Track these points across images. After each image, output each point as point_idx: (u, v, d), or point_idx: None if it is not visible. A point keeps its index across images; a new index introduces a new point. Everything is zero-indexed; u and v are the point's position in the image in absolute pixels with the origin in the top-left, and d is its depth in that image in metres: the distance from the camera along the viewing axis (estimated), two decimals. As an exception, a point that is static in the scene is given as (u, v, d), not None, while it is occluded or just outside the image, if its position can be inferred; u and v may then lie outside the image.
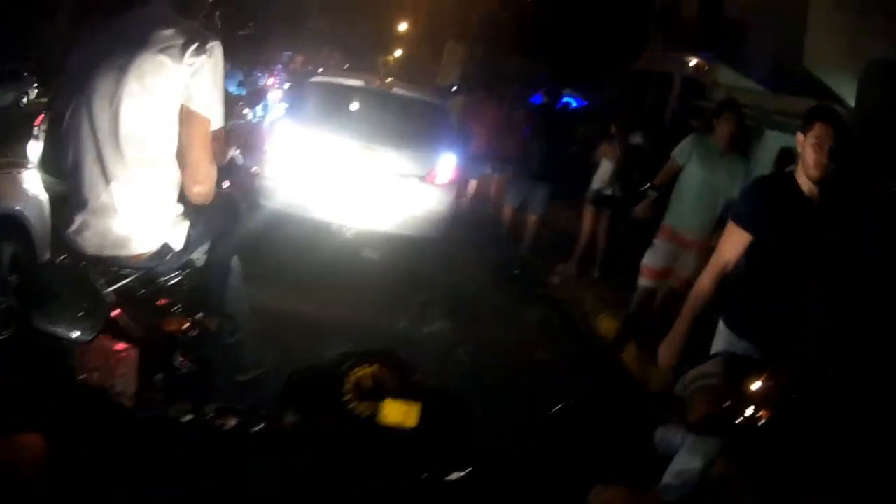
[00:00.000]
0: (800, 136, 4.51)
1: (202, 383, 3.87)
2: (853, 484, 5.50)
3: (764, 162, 12.02)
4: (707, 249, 6.88)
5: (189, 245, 3.92)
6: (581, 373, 7.95)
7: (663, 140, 11.95)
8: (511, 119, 14.83)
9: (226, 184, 4.81)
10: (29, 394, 3.17)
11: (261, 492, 1.87)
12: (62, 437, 2.88)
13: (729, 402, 2.11)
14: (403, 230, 9.98)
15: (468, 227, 12.08)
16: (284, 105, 18.08)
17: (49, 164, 3.98)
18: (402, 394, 2.01)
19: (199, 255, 4.22)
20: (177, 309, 3.84)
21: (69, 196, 3.76)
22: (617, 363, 8.51)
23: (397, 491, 2.10)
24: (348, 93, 10.97)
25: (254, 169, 6.50)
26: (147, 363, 3.41)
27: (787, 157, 11.09)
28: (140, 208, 3.64)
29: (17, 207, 6.29)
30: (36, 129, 8.66)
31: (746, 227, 4.40)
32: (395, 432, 1.98)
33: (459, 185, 10.99)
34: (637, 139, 12.37)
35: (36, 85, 31.08)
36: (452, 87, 24.93)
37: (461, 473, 1.96)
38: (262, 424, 1.99)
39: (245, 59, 31.99)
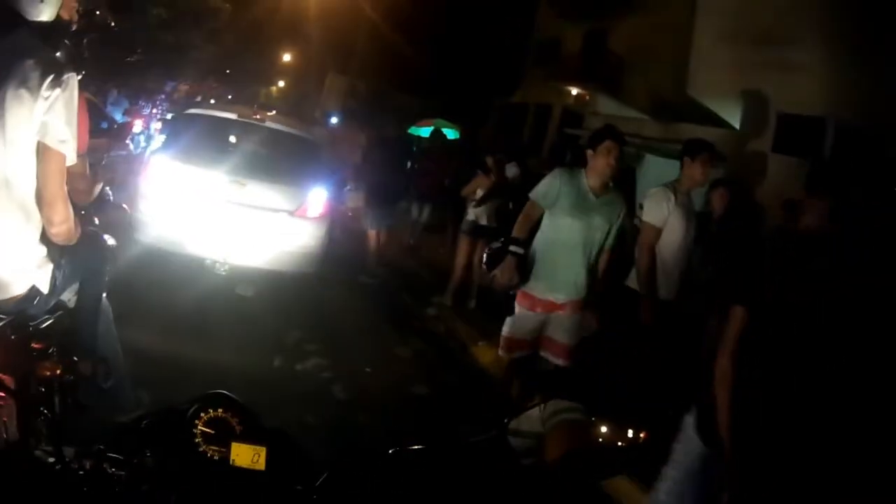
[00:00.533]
0: None
1: (82, 427, 3.81)
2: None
3: (645, 186, 12.31)
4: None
5: (56, 287, 3.83)
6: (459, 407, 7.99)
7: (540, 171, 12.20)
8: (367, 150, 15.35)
9: (95, 221, 4.75)
10: None
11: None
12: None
13: (592, 436, 2.10)
14: (276, 266, 9.88)
15: (340, 260, 12.00)
16: (162, 137, 17.85)
17: None
18: (247, 437, 2.03)
19: (69, 297, 4.15)
20: (52, 352, 3.76)
21: None
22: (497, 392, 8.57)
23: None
24: (222, 125, 10.85)
25: (124, 205, 6.36)
26: (24, 409, 3.34)
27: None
28: (6, 252, 3.55)
29: None
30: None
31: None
32: (249, 474, 2.00)
33: (331, 219, 10.92)
34: (513, 170, 12.56)
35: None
36: (328, 116, 25.01)
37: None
38: (120, 467, 1.96)
39: (131, 88, 31.50)
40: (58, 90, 3.43)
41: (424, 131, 24.64)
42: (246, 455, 2.01)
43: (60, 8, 3.61)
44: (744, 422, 3.80)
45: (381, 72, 39.17)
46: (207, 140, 10.40)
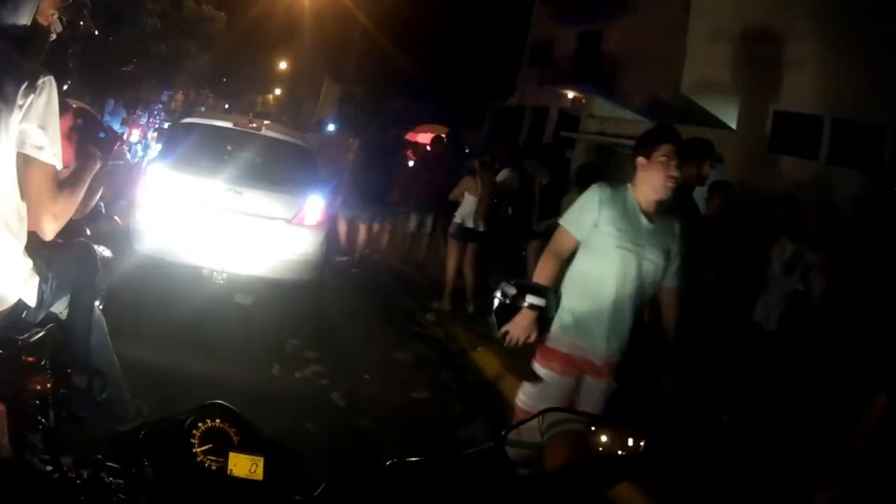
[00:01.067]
0: None
1: (79, 439, 3.80)
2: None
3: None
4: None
5: (44, 300, 3.77)
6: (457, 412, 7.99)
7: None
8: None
9: (87, 232, 4.74)
10: None
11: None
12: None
13: (591, 449, 2.09)
14: (274, 274, 9.82)
15: (339, 268, 11.99)
16: (159, 146, 17.85)
17: None
18: (244, 447, 2.02)
19: (61, 309, 4.13)
20: (44, 365, 3.74)
21: None
22: (495, 397, 8.58)
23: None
24: (218, 134, 10.83)
25: (116, 217, 6.35)
26: (19, 423, 3.32)
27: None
28: None
29: None
30: None
31: None
32: (247, 484, 1.99)
33: (328, 226, 10.86)
34: (509, 175, 12.59)
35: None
36: (321, 123, 24.95)
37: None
38: (118, 477, 1.96)
39: (127, 97, 31.56)
40: (32, 96, 3.31)
41: (422, 137, 24.54)
42: (244, 465, 2.01)
43: (36, 13, 3.51)
44: None
45: (377, 78, 39.18)
46: (204, 149, 10.38)
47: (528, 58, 36.04)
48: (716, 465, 6.65)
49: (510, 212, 12.50)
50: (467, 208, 11.85)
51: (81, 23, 5.14)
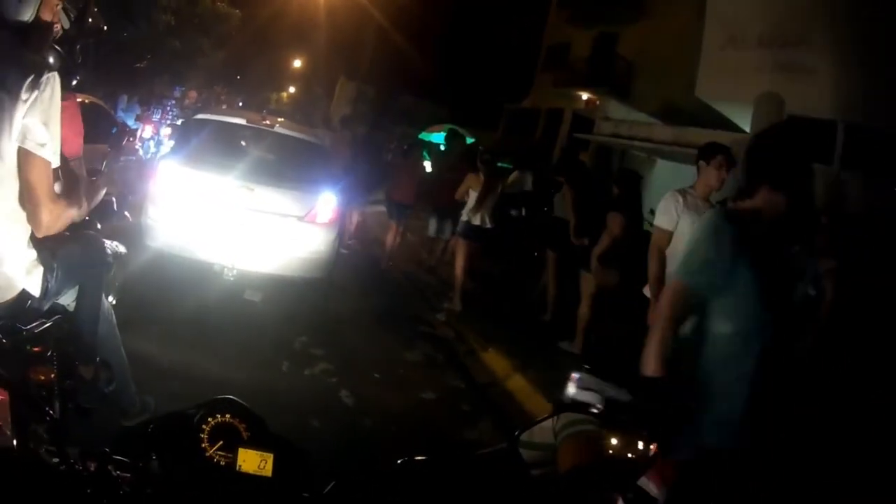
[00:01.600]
0: None
1: (84, 431, 3.79)
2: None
3: (656, 191, 12.29)
4: None
5: (49, 291, 3.78)
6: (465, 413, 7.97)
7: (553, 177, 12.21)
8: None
9: (98, 226, 4.73)
10: None
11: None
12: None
13: (605, 449, 2.08)
14: (285, 271, 9.80)
15: (350, 266, 11.96)
16: (172, 142, 17.87)
17: None
18: (254, 443, 2.01)
19: (69, 301, 4.13)
20: (50, 355, 3.75)
21: None
22: (503, 398, 8.57)
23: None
24: (231, 131, 10.81)
25: (126, 213, 6.33)
26: (22, 412, 3.31)
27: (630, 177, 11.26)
28: None
29: None
30: None
31: None
32: (255, 480, 1.98)
33: (341, 224, 10.81)
34: (517, 176, 12.62)
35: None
36: (345, 122, 25.08)
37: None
38: (125, 470, 1.95)
39: (140, 93, 31.60)
40: (36, 92, 3.34)
41: (437, 137, 24.38)
42: (253, 461, 1.99)
43: (41, 8, 3.52)
44: None
45: (392, 77, 39.22)
46: (217, 145, 10.36)
47: (544, 60, 36.09)
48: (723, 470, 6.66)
49: (523, 212, 12.53)
50: (469, 204, 11.90)
51: (90, 18, 5.12)
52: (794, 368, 6.86)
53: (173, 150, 10.96)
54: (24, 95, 3.31)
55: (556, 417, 2.16)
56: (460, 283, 11.86)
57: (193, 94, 38.85)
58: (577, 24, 32.81)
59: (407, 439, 6.64)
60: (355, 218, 14.46)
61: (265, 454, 2.01)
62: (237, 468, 1.98)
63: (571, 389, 2.75)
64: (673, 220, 7.02)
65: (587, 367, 2.84)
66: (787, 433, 4.07)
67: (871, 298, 7.60)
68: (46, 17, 3.60)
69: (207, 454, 1.98)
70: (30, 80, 3.32)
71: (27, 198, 3.47)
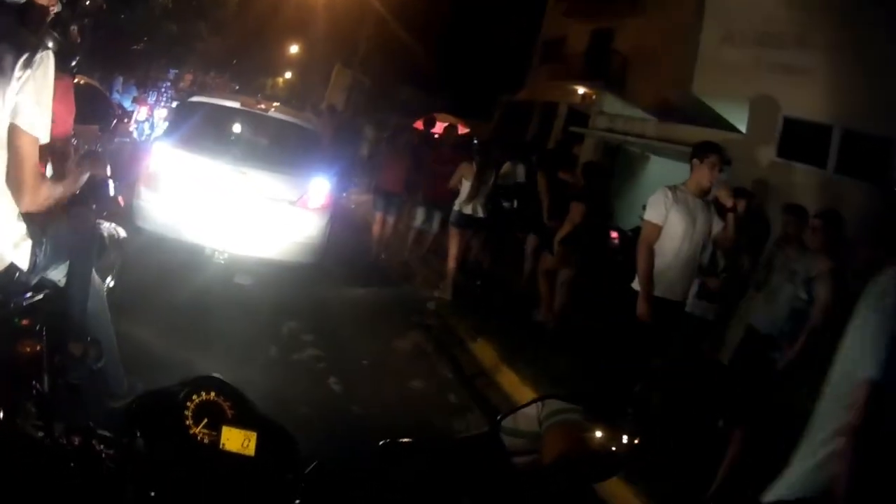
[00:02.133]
0: None
1: (71, 408, 3.79)
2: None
3: (649, 187, 12.32)
4: None
5: (37, 265, 3.80)
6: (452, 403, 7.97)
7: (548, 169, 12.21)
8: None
9: (92, 206, 4.73)
10: None
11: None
12: None
13: (589, 439, 2.06)
14: (276, 256, 9.76)
15: (340, 254, 11.95)
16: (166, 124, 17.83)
17: None
18: (238, 422, 2.00)
19: (59, 277, 4.12)
20: (38, 329, 3.74)
21: None
22: (491, 390, 8.59)
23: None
24: (225, 114, 10.71)
25: (119, 198, 6.33)
26: (7, 385, 3.32)
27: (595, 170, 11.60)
28: None
29: None
30: None
31: None
32: (239, 459, 1.98)
33: (332, 211, 10.65)
34: (509, 168, 12.60)
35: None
36: (333, 108, 24.97)
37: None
38: (109, 446, 1.95)
39: (136, 76, 31.50)
40: (28, 70, 3.37)
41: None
42: (236, 440, 1.98)
43: None
44: None
45: (387, 66, 39.16)
46: (210, 128, 10.31)
47: (540, 53, 36.01)
48: (710, 467, 6.69)
49: (515, 204, 12.50)
50: (462, 193, 11.87)
51: (87, 1, 5.11)
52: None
53: (167, 132, 10.92)
54: (17, 73, 3.34)
55: (541, 405, 2.15)
56: (452, 273, 11.84)
57: (189, 77, 38.80)
58: (573, 17, 32.72)
59: (394, 428, 6.57)
60: (383, 223, 13.69)
61: (249, 433, 2.00)
62: (220, 446, 1.97)
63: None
64: (662, 215, 7.16)
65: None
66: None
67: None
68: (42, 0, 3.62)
69: (191, 432, 1.97)
70: (24, 58, 3.35)
71: (13, 173, 3.49)
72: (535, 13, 36.00)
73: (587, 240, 10.67)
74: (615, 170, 23.28)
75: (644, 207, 7.64)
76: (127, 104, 23.77)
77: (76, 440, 1.91)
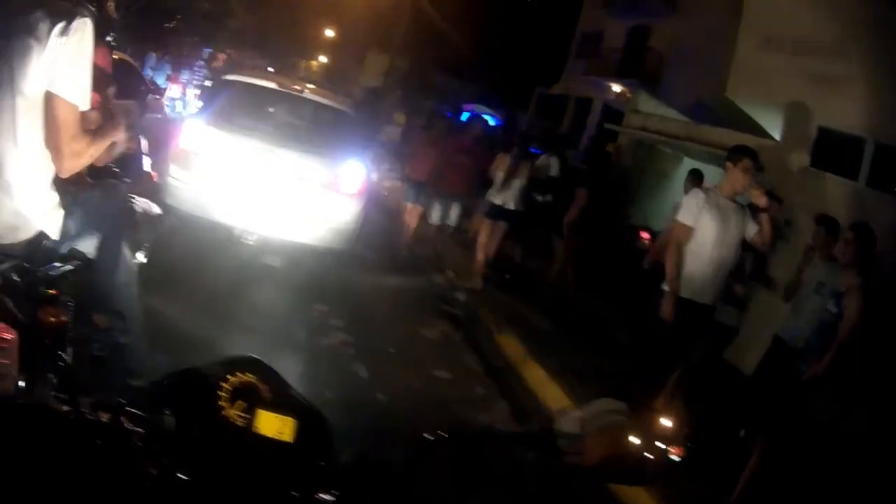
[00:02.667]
0: None
1: (91, 380, 3.73)
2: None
3: (680, 189, 12.23)
4: None
5: (68, 234, 3.77)
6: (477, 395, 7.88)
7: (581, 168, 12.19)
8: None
9: (125, 181, 4.66)
10: None
11: (130, 490, 1.78)
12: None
13: (635, 440, 1.98)
14: (307, 240, 9.57)
15: (372, 240, 11.86)
16: (199, 102, 17.80)
17: None
18: (275, 406, 1.91)
19: (90, 249, 4.06)
20: (66, 301, 3.68)
21: None
22: (518, 383, 8.50)
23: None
24: (260, 94, 10.49)
25: (152, 173, 6.28)
26: (30, 354, 3.27)
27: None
28: (11, 197, 3.48)
29: None
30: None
31: None
32: (273, 444, 1.88)
33: (367, 196, 10.44)
34: (544, 161, 12.52)
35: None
36: (374, 89, 24.89)
37: (330, 496, 1.87)
38: (138, 423, 1.87)
39: (170, 53, 31.60)
40: (65, 38, 3.33)
41: (463, 115, 23.98)
42: (272, 424, 1.89)
43: None
44: None
45: (423, 52, 39.08)
46: (244, 107, 10.17)
47: (577, 47, 35.87)
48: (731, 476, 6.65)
49: (549, 198, 12.42)
50: (496, 184, 11.83)
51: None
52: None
53: (200, 110, 10.83)
54: (53, 41, 3.31)
55: (586, 407, 2.07)
56: (482, 264, 11.83)
57: (222, 56, 38.90)
58: (610, 13, 32.61)
59: (417, 418, 6.55)
60: (414, 212, 13.37)
61: (285, 418, 1.91)
62: (254, 430, 1.88)
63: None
64: (694, 217, 7.22)
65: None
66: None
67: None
68: None
69: (224, 413, 1.88)
70: (60, 25, 3.32)
71: (51, 140, 3.45)
72: (573, 5, 35.86)
73: (592, 219, 11.43)
74: (647, 169, 23.16)
75: (675, 208, 7.62)
76: (160, 81, 23.81)
77: (103, 415, 1.84)
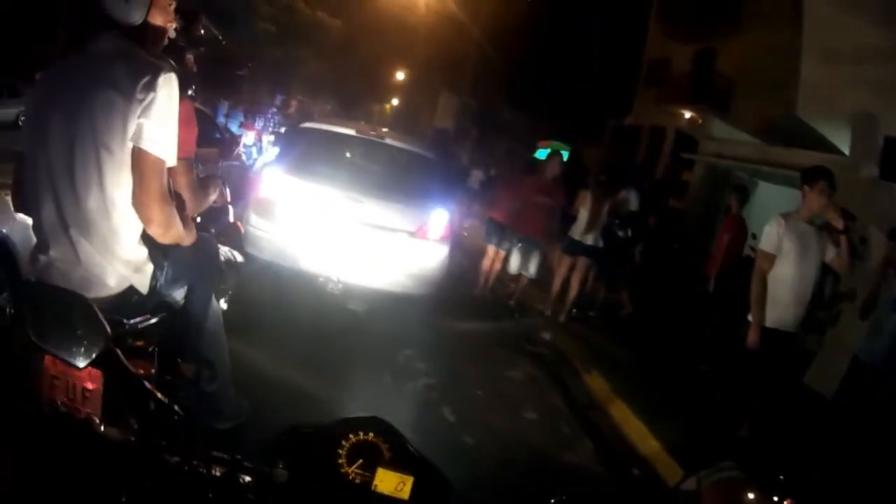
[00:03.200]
0: None
1: (178, 428, 3.78)
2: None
3: (758, 213, 12.10)
4: None
5: (157, 289, 3.80)
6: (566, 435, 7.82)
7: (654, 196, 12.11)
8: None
9: (211, 230, 4.74)
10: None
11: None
12: (29, 458, 2.79)
13: (751, 494, 2.00)
14: (393, 287, 9.44)
15: (453, 283, 11.69)
16: (276, 149, 18.02)
17: (19, 202, 3.86)
18: (394, 464, 1.94)
19: (177, 299, 4.12)
20: (151, 351, 3.74)
21: (35, 236, 3.63)
22: (603, 421, 8.43)
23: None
24: (338, 141, 10.53)
25: (238, 223, 6.38)
26: (118, 403, 3.33)
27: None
28: (101, 253, 3.52)
29: (3, 230, 6.21)
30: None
31: None
32: (388, 502, 1.91)
33: (452, 240, 10.26)
34: (623, 195, 12.47)
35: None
36: (444, 130, 25.01)
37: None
38: (251, 476, 1.92)
39: (243, 101, 32.12)
40: (152, 93, 3.36)
41: (541, 153, 23.79)
42: (391, 482, 1.92)
43: (152, 10, 3.56)
44: None
45: (493, 90, 39.26)
46: (323, 155, 10.19)
47: (645, 76, 35.76)
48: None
49: (629, 233, 12.38)
50: (580, 222, 11.79)
51: (202, 29, 5.14)
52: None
53: (278, 158, 10.91)
54: (139, 95, 3.34)
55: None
56: (569, 301, 11.96)
57: (294, 103, 39.44)
58: (676, 38, 32.46)
59: (506, 461, 6.53)
60: (495, 255, 13.05)
61: (404, 476, 1.94)
62: (373, 488, 1.91)
63: None
64: (775, 245, 7.17)
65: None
66: None
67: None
68: (158, 20, 3.64)
69: (343, 470, 1.92)
70: (145, 80, 3.35)
71: (141, 197, 3.48)
72: (638, 35, 35.80)
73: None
74: (720, 195, 22.93)
75: (753, 236, 7.58)
76: (234, 129, 24.15)
77: (217, 469, 1.88)
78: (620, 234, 12.32)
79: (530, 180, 12.67)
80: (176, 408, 3.75)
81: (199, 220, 4.43)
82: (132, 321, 3.63)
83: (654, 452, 7.40)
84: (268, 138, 25.79)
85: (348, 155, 10.66)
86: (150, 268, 3.72)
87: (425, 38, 42.01)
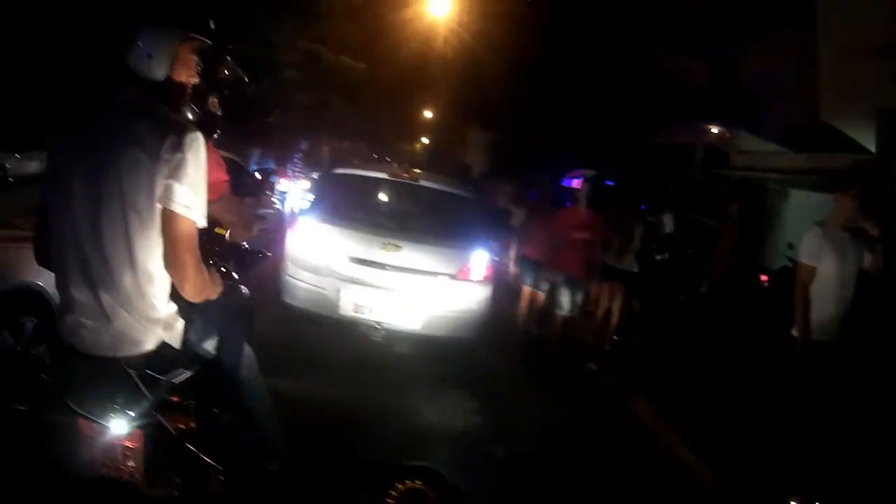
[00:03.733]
0: None
1: (219, 478, 3.77)
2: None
3: (792, 222, 12.00)
4: None
5: (189, 343, 3.72)
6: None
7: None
8: None
9: (234, 276, 4.72)
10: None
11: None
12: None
13: None
14: (436, 331, 9.28)
15: (495, 323, 11.06)
16: (309, 196, 18.03)
17: (41, 257, 3.80)
18: (443, 511, 1.94)
19: (210, 350, 4.10)
20: (187, 404, 3.73)
21: (59, 294, 3.53)
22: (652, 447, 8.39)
23: None
24: (372, 185, 10.45)
25: (267, 253, 6.34)
26: (159, 460, 3.36)
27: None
28: (130, 313, 3.42)
29: (37, 281, 6.25)
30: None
31: None
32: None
33: (494, 281, 9.98)
34: (661, 219, 12.38)
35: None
36: (465, 165, 24.90)
37: None
38: None
39: (273, 147, 32.34)
40: (179, 154, 3.29)
41: (567, 182, 23.73)
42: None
43: (176, 66, 3.51)
44: None
45: (520, 122, 39.24)
46: (358, 200, 10.15)
47: (669, 94, 35.59)
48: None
49: (666, 256, 12.29)
50: (612, 247, 11.58)
51: (227, 71, 5.15)
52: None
53: (313, 206, 10.83)
54: (165, 155, 3.27)
55: None
56: (612, 329, 11.89)
57: (327, 147, 39.66)
58: (691, 52, 32.28)
59: (563, 499, 6.55)
60: (532, 296, 12.19)
61: None
62: None
63: None
64: (816, 256, 7.06)
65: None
66: None
67: None
68: (181, 76, 3.57)
69: None
70: (170, 139, 3.28)
71: (174, 260, 3.40)
72: (654, 53, 35.71)
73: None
74: (753, 209, 22.78)
75: (790, 246, 7.53)
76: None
77: None
78: (658, 258, 12.22)
79: (565, 214, 11.63)
80: (215, 462, 3.76)
81: (223, 269, 4.41)
82: (167, 377, 3.56)
83: (704, 479, 7.40)
84: (300, 184, 25.89)
85: (383, 198, 10.54)
86: (180, 324, 3.65)
87: (449, 74, 42.10)
